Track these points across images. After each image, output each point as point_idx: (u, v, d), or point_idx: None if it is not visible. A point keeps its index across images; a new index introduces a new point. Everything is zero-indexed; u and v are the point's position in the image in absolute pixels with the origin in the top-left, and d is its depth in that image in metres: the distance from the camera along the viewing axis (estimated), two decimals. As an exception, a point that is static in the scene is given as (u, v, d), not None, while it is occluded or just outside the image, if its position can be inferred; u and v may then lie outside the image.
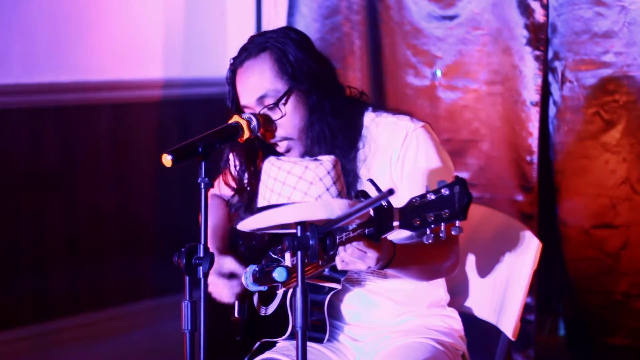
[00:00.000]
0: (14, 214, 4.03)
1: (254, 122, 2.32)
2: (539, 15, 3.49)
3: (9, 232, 4.01)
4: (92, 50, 4.23)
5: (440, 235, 1.99)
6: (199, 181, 2.14)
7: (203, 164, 2.15)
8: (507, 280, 2.58)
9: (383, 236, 2.11)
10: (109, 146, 4.33)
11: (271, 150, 2.42)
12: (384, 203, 2.04)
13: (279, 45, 2.37)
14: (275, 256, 2.41)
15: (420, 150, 2.38)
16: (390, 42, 3.93)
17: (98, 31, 4.25)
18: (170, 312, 4.29)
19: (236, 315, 2.52)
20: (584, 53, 3.40)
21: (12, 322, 4.03)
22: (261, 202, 2.18)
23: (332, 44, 4.02)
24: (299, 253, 1.97)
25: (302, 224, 1.99)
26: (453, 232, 1.97)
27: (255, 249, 2.51)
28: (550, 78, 3.51)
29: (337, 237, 2.11)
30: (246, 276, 2.32)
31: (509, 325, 2.55)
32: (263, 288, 2.32)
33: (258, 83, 2.36)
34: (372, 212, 2.08)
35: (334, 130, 2.37)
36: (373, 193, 2.14)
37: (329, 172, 2.14)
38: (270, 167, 2.18)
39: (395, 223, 2.05)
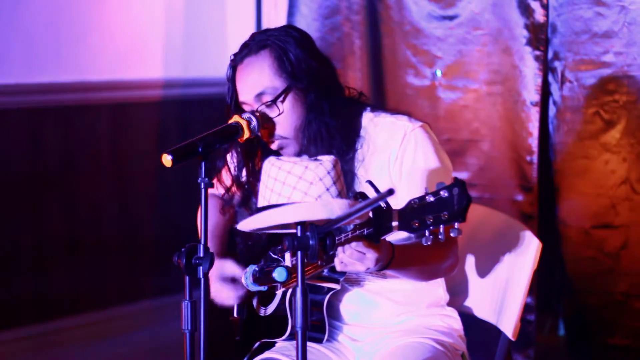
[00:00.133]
0: (14, 214, 4.03)
1: (254, 122, 2.32)
2: (539, 15, 3.49)
3: (9, 232, 4.01)
4: (92, 50, 4.23)
5: (439, 237, 1.98)
6: (199, 181, 2.14)
7: (203, 164, 2.15)
8: (507, 280, 2.58)
9: (382, 237, 2.11)
10: (109, 146, 4.33)
11: (269, 150, 2.42)
12: (382, 204, 2.04)
13: (280, 43, 2.37)
14: (275, 256, 2.41)
15: (419, 150, 2.38)
16: (390, 42, 3.93)
17: (98, 31, 4.25)
18: (170, 312, 4.29)
19: (235, 315, 2.52)
20: (583, 53, 3.40)
21: (12, 322, 4.03)
22: (261, 202, 2.18)
23: (332, 44, 4.03)
24: (299, 253, 1.97)
25: (302, 224, 1.99)
26: (452, 234, 1.96)
27: (255, 249, 2.51)
28: (550, 78, 3.51)
29: (336, 238, 2.11)
30: (246, 276, 2.32)
31: (509, 325, 2.55)
32: (263, 288, 2.32)
33: (257, 80, 2.36)
34: (370, 214, 2.08)
35: (332, 130, 2.37)
36: (371, 194, 2.14)
37: (329, 172, 2.14)
38: (270, 167, 2.18)
39: (394, 224, 2.05)
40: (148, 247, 4.48)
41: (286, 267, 2.09)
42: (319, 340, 2.40)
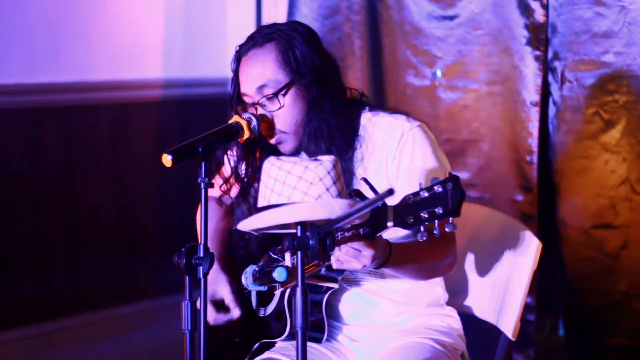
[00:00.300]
0: (14, 214, 4.03)
1: (254, 122, 2.33)
2: (539, 15, 3.49)
3: (9, 232, 4.01)
4: (92, 50, 4.24)
5: (434, 232, 1.98)
6: (199, 181, 2.14)
7: (203, 164, 2.15)
8: (507, 280, 2.58)
9: (378, 235, 2.11)
10: (109, 146, 4.33)
11: (269, 148, 2.42)
12: (378, 203, 2.04)
13: (286, 38, 2.37)
14: (275, 256, 2.41)
15: (416, 149, 2.38)
16: (390, 42, 3.93)
17: (98, 31, 4.25)
18: (170, 312, 4.29)
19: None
20: (583, 53, 3.40)
21: (12, 322, 4.03)
22: (261, 202, 2.18)
23: (332, 44, 4.02)
24: (299, 253, 1.97)
25: (302, 224, 1.99)
26: (447, 229, 1.96)
27: (253, 249, 2.51)
28: (550, 78, 3.51)
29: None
30: (246, 276, 2.32)
31: (509, 325, 2.55)
32: (263, 288, 2.32)
33: (260, 72, 2.36)
34: (366, 211, 2.08)
35: (332, 128, 2.37)
36: (366, 192, 2.14)
37: (329, 172, 2.14)
38: (270, 167, 2.18)
39: (390, 222, 2.05)
40: (148, 247, 4.48)
41: (286, 267, 2.09)
42: (318, 340, 2.40)
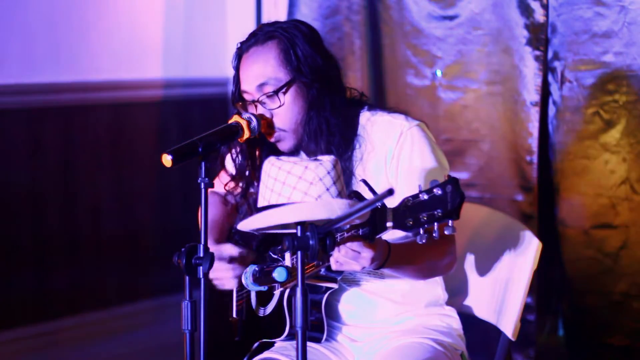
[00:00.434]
0: (14, 214, 4.03)
1: (254, 122, 2.33)
2: (539, 15, 3.49)
3: (9, 232, 4.01)
4: (92, 50, 4.24)
5: (434, 235, 1.98)
6: (199, 181, 2.14)
7: (203, 164, 2.15)
8: (507, 280, 2.58)
9: (377, 236, 2.11)
10: (109, 146, 4.33)
11: (269, 148, 2.42)
12: (378, 204, 2.05)
13: (288, 36, 2.37)
14: (275, 256, 2.41)
15: (415, 149, 2.38)
16: (390, 42, 3.93)
17: (98, 31, 4.25)
18: (170, 312, 4.30)
19: (234, 316, 2.52)
20: (583, 53, 3.40)
21: (12, 322, 4.03)
22: (261, 202, 2.18)
23: (332, 44, 4.02)
24: (299, 253, 1.97)
25: (302, 224, 1.99)
26: (446, 232, 1.97)
27: (253, 249, 2.51)
28: (550, 78, 3.51)
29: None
30: (246, 276, 2.32)
31: (509, 325, 2.55)
32: (263, 288, 2.32)
33: (261, 70, 2.36)
34: (365, 213, 2.08)
35: (332, 128, 2.38)
36: (366, 193, 2.14)
37: (329, 172, 2.14)
38: (270, 167, 2.18)
39: (389, 223, 2.05)
40: (148, 247, 4.48)
41: (286, 267, 2.09)
42: (317, 340, 2.40)
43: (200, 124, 4.54)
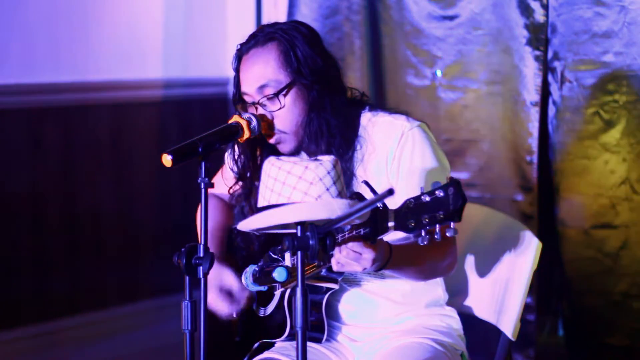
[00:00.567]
0: (14, 214, 4.03)
1: (254, 122, 2.33)
2: (539, 15, 3.49)
3: (9, 232, 4.01)
4: (92, 50, 4.24)
5: (435, 237, 1.98)
6: (199, 181, 2.14)
7: (203, 164, 2.15)
8: (507, 280, 2.58)
9: (378, 237, 2.11)
10: (109, 146, 4.33)
11: (269, 148, 2.42)
12: (379, 204, 2.04)
13: (288, 38, 2.36)
14: (275, 256, 2.41)
15: (416, 149, 2.38)
16: (390, 42, 3.93)
17: (98, 31, 4.25)
18: (170, 312, 4.30)
19: (235, 316, 2.52)
20: (583, 53, 3.40)
21: (12, 322, 4.03)
22: (261, 202, 2.18)
23: (332, 44, 4.02)
24: (299, 253, 1.97)
25: (302, 224, 1.99)
26: (448, 234, 1.97)
27: (254, 249, 2.51)
28: (550, 78, 3.51)
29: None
30: (246, 276, 2.32)
31: (509, 325, 2.55)
32: (263, 288, 2.32)
33: (261, 72, 2.36)
34: (366, 213, 2.09)
35: (333, 129, 2.37)
36: (367, 195, 2.14)
37: (329, 172, 2.14)
38: (270, 167, 2.18)
39: (390, 224, 2.05)
40: (148, 247, 4.48)
41: (286, 267, 2.09)
42: (318, 340, 2.40)
43: (200, 124, 4.54)
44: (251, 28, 4.45)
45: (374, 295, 2.46)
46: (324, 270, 2.27)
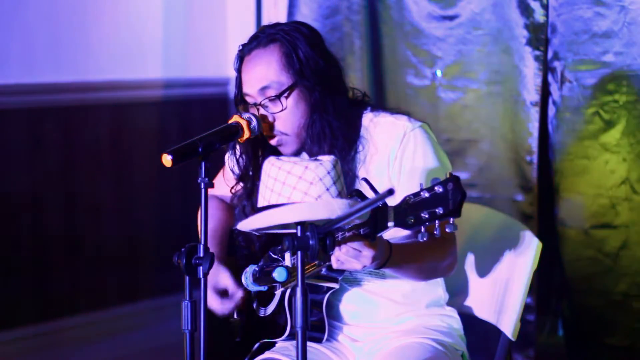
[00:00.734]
0: (14, 214, 4.03)
1: (254, 122, 2.32)
2: (539, 15, 3.49)
3: (9, 232, 4.01)
4: (92, 50, 4.24)
5: (435, 233, 1.98)
6: (199, 181, 2.14)
7: (203, 164, 2.15)
8: (507, 280, 2.58)
9: (378, 235, 2.11)
10: (109, 146, 4.33)
11: (270, 148, 2.42)
12: (378, 203, 2.05)
13: (289, 39, 2.36)
14: (275, 256, 2.41)
15: (418, 150, 2.38)
16: (390, 42, 3.93)
17: (98, 31, 4.25)
18: (170, 312, 4.30)
19: (235, 316, 2.52)
20: (583, 53, 3.40)
21: (12, 322, 4.03)
22: (261, 202, 2.18)
23: (332, 44, 4.02)
24: (299, 253, 1.97)
25: (302, 224, 1.99)
26: (447, 230, 1.97)
27: (255, 249, 2.51)
28: (550, 78, 3.51)
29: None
30: (246, 276, 2.32)
31: (509, 325, 2.55)
32: (263, 288, 2.32)
33: (263, 73, 2.36)
34: (366, 212, 2.08)
35: (335, 130, 2.37)
36: (367, 192, 2.14)
37: (329, 172, 2.14)
38: (270, 167, 2.18)
39: (390, 222, 2.05)
40: (148, 247, 4.48)
41: (286, 267, 2.09)
42: (318, 340, 2.40)
43: (200, 124, 4.54)
44: (251, 28, 4.45)
45: (374, 295, 2.46)
46: (324, 269, 2.27)
